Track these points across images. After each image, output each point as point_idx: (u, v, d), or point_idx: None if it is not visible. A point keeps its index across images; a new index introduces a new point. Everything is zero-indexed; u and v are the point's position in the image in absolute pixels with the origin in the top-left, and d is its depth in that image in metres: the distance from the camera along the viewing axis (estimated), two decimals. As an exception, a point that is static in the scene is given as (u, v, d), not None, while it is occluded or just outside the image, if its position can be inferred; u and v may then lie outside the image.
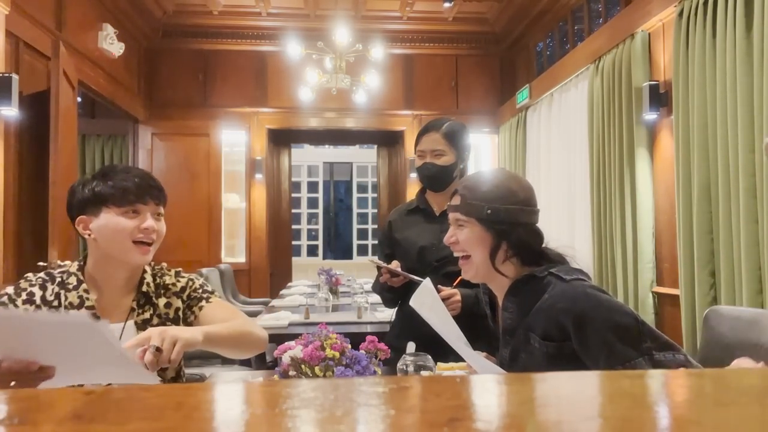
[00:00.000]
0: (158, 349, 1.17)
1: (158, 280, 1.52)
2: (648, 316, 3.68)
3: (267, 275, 6.45)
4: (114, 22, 5.15)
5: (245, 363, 3.46)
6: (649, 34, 3.77)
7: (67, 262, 1.48)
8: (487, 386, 0.46)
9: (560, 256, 1.31)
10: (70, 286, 1.41)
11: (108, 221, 1.38)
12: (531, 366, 1.23)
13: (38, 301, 1.38)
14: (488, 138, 6.79)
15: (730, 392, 0.42)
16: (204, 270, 4.51)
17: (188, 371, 3.41)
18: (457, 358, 1.69)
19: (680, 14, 3.27)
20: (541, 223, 1.35)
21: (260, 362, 2.97)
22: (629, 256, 3.79)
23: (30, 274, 1.43)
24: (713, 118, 3.03)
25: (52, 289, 1.40)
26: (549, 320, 1.19)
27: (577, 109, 4.67)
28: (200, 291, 1.55)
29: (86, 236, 1.41)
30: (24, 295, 1.38)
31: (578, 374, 0.68)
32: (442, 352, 1.69)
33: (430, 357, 1.47)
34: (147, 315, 1.47)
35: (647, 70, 3.74)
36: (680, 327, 3.27)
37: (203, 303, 1.54)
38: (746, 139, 2.80)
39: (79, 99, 4.58)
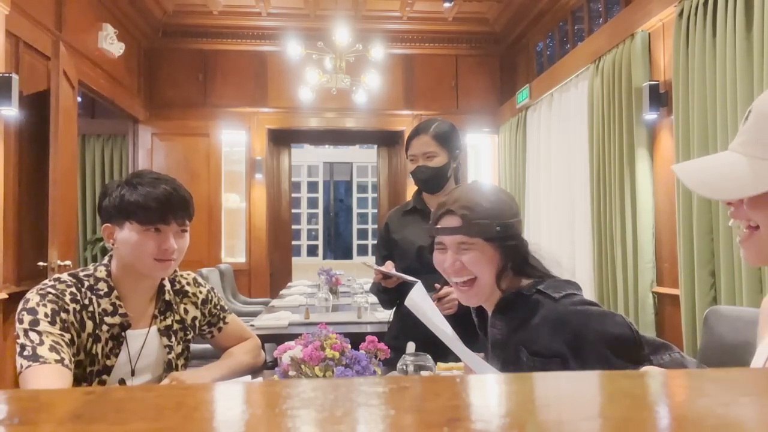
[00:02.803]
0: None
1: (176, 286, 1.57)
2: (648, 316, 3.68)
3: (267, 275, 6.45)
4: (114, 22, 5.15)
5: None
6: (649, 34, 3.77)
7: (90, 267, 1.46)
8: (487, 386, 0.46)
9: (537, 260, 1.27)
10: (102, 293, 1.41)
11: (130, 237, 1.39)
12: None
13: (81, 300, 1.38)
14: (488, 138, 6.79)
15: (730, 392, 0.42)
16: (204, 270, 4.50)
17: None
18: (457, 358, 1.69)
19: (680, 14, 3.27)
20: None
21: (260, 362, 2.97)
22: (629, 256, 3.79)
23: (62, 275, 1.41)
24: (713, 118, 3.03)
25: (84, 293, 1.40)
26: (541, 340, 1.15)
27: (577, 109, 4.67)
28: (219, 309, 1.65)
29: (110, 244, 1.43)
30: (68, 294, 1.36)
31: (578, 374, 0.68)
32: (442, 352, 1.69)
33: (429, 357, 1.47)
34: (168, 321, 1.52)
35: (647, 70, 3.74)
36: (680, 327, 3.27)
37: (222, 324, 1.65)
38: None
39: (79, 99, 4.58)
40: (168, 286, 1.53)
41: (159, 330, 1.49)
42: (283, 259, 7.36)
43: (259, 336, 2.82)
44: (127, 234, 1.39)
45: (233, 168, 6.47)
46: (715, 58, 3.03)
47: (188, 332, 1.57)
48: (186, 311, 1.56)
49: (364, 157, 13.35)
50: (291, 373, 1.33)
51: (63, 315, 1.33)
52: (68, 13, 4.43)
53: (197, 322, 1.60)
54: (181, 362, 1.55)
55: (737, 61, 2.84)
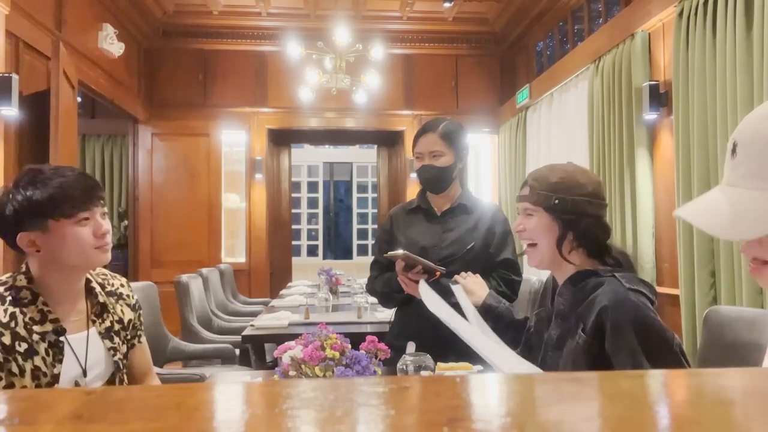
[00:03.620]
0: None
1: (108, 288, 1.49)
2: (648, 316, 3.68)
3: (267, 275, 6.45)
4: (114, 22, 5.15)
5: (245, 363, 3.46)
6: (649, 34, 3.76)
7: (4, 278, 1.35)
8: (487, 386, 0.46)
9: (625, 255, 1.35)
10: (26, 301, 1.31)
11: (64, 234, 1.29)
12: (572, 352, 1.25)
13: None
14: (488, 138, 6.79)
15: (730, 392, 0.42)
16: (204, 270, 4.50)
17: (188, 371, 3.42)
18: (457, 358, 1.69)
19: (680, 14, 3.27)
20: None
21: (260, 362, 2.97)
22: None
23: None
24: (713, 118, 3.03)
25: (5, 310, 1.28)
26: (592, 314, 1.22)
27: (577, 109, 4.67)
28: (140, 323, 1.56)
29: (31, 253, 1.31)
30: None
31: (578, 374, 0.68)
32: (442, 352, 1.69)
33: (430, 357, 1.47)
34: (108, 323, 1.45)
35: (647, 70, 3.74)
36: (680, 327, 3.26)
37: (136, 342, 1.54)
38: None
39: (79, 99, 4.58)
40: (98, 288, 1.45)
41: (100, 333, 1.42)
42: (283, 259, 7.36)
43: (259, 336, 2.84)
44: (55, 233, 1.28)
45: (233, 168, 6.47)
46: (715, 58, 3.03)
47: (128, 333, 1.51)
48: (123, 312, 1.50)
49: (364, 157, 13.35)
50: (291, 373, 1.33)
51: None
52: (68, 13, 4.42)
53: (131, 326, 1.51)
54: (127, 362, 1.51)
55: (737, 61, 2.84)
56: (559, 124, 5.04)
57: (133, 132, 6.19)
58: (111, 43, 5.00)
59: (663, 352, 1.16)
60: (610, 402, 0.41)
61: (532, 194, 1.34)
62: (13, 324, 1.27)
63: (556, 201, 1.31)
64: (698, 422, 0.36)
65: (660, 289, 3.66)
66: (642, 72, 3.73)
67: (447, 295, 1.83)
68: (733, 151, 0.76)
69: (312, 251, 13.94)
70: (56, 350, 1.32)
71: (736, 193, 0.75)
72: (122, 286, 1.54)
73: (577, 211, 1.30)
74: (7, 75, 3.44)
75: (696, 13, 3.14)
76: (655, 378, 0.49)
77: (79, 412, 0.37)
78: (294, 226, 10.34)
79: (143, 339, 1.58)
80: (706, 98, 3.09)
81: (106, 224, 1.36)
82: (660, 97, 3.61)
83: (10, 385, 1.24)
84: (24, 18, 3.77)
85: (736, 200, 0.75)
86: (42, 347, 1.30)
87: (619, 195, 3.89)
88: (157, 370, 2.72)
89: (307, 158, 13.64)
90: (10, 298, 1.30)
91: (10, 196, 1.28)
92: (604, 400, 0.41)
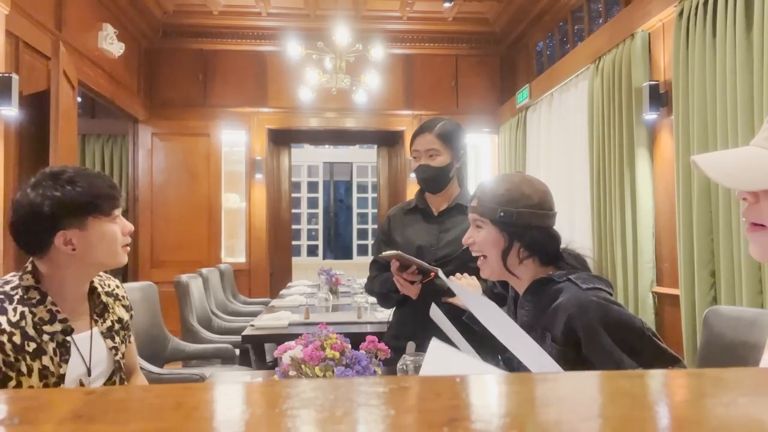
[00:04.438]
0: None
1: (106, 288, 1.51)
2: (648, 316, 3.68)
3: (267, 275, 6.45)
4: (114, 22, 5.15)
5: (245, 363, 3.46)
6: (649, 34, 3.76)
7: (8, 277, 1.35)
8: (487, 386, 0.46)
9: (580, 259, 1.36)
10: (34, 301, 1.30)
11: (101, 231, 1.31)
12: None
13: (9, 328, 1.24)
14: (488, 138, 6.79)
15: (730, 392, 0.42)
16: (204, 270, 4.50)
17: (188, 371, 3.41)
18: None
19: (680, 14, 3.27)
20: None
21: (260, 362, 2.97)
22: (629, 256, 3.79)
23: None
24: (713, 118, 3.03)
25: (14, 309, 1.27)
26: (560, 323, 1.22)
27: (577, 109, 4.67)
28: (131, 324, 1.57)
29: (65, 251, 1.29)
30: None
31: (578, 374, 0.68)
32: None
33: (430, 357, 1.46)
34: (108, 322, 1.46)
35: (647, 70, 3.74)
36: (680, 327, 3.26)
37: (128, 341, 1.55)
38: (746, 139, 2.80)
39: (79, 99, 4.58)
40: (99, 288, 1.46)
41: (102, 333, 1.43)
42: (283, 259, 7.36)
43: (259, 336, 2.84)
44: (94, 230, 1.30)
45: (233, 168, 6.47)
46: (715, 58, 3.03)
47: (126, 333, 1.52)
48: (120, 312, 1.52)
49: (364, 157, 13.35)
50: (291, 373, 1.33)
51: None
52: (68, 13, 4.43)
53: (125, 326, 1.53)
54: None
55: (737, 61, 2.84)
56: (559, 124, 5.04)
57: (133, 132, 6.19)
58: (111, 43, 5.00)
59: (636, 341, 1.18)
60: (610, 402, 0.41)
61: (480, 206, 1.36)
62: (23, 323, 1.27)
63: (502, 213, 1.32)
64: (698, 422, 0.36)
65: (660, 289, 3.66)
66: (642, 72, 3.73)
67: (442, 295, 1.83)
68: None
69: (312, 251, 13.94)
70: (63, 350, 1.32)
71: (754, 150, 0.80)
72: (117, 287, 1.56)
73: (521, 223, 1.32)
74: (7, 75, 3.45)
75: (696, 13, 3.14)
76: (655, 378, 0.49)
77: (79, 412, 0.37)
78: (294, 226, 10.34)
79: (132, 338, 1.61)
80: (706, 98, 3.09)
81: (129, 223, 1.40)
82: (660, 97, 3.61)
83: (18, 385, 1.24)
84: (24, 18, 3.77)
85: (750, 155, 0.80)
86: (50, 347, 1.30)
87: (619, 195, 3.89)
88: (157, 370, 2.73)
89: (307, 158, 13.64)
90: (18, 297, 1.29)
91: (45, 193, 1.26)
92: (604, 400, 0.41)
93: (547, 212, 1.35)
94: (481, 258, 1.38)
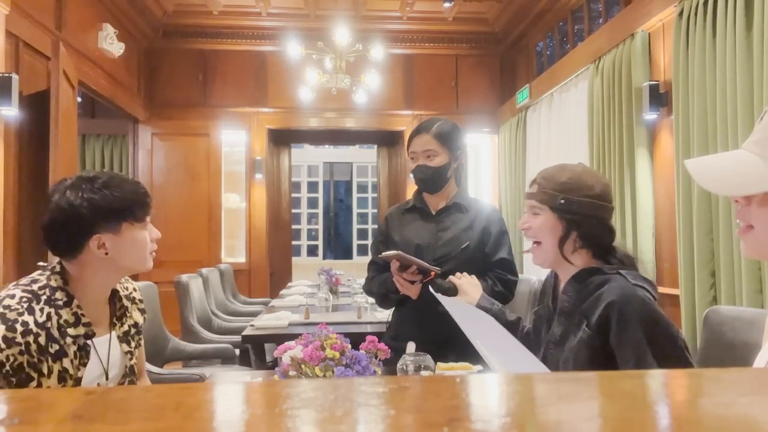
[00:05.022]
0: None
1: (125, 292, 1.51)
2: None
3: (267, 275, 6.45)
4: (114, 22, 5.15)
5: (245, 363, 3.46)
6: (649, 34, 3.76)
7: (36, 275, 1.34)
8: (487, 386, 0.46)
9: (629, 257, 1.35)
10: (60, 303, 1.30)
11: (133, 236, 1.33)
12: (574, 348, 1.26)
13: (35, 329, 1.24)
14: (488, 138, 6.79)
15: (730, 392, 0.42)
16: (204, 270, 4.50)
17: (188, 371, 3.41)
18: (457, 358, 1.69)
19: (680, 14, 3.27)
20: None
21: (260, 362, 2.97)
22: (629, 256, 3.79)
23: (7, 298, 1.25)
24: (713, 118, 3.03)
25: (41, 309, 1.27)
26: (598, 310, 1.23)
27: (577, 109, 4.67)
28: (143, 327, 1.57)
29: (98, 255, 1.30)
30: (20, 328, 1.21)
31: (578, 374, 0.68)
32: (442, 352, 1.69)
33: (430, 357, 1.47)
34: (126, 327, 1.47)
35: (647, 70, 3.74)
36: (680, 327, 3.27)
37: (141, 343, 1.56)
38: (746, 139, 2.79)
39: (79, 99, 4.58)
40: (121, 292, 1.47)
41: (119, 337, 1.43)
42: (283, 259, 7.36)
43: (259, 336, 2.84)
44: (127, 235, 1.32)
45: (233, 168, 6.47)
46: (715, 58, 3.03)
47: (139, 336, 1.53)
48: (136, 316, 1.53)
49: (364, 157, 13.35)
50: (291, 373, 1.33)
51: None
52: (68, 13, 4.43)
53: (140, 329, 1.54)
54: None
55: (737, 61, 2.84)
56: (559, 124, 5.04)
57: (133, 132, 6.19)
58: (111, 43, 5.00)
59: (668, 347, 1.18)
60: (610, 402, 0.41)
61: (539, 192, 1.35)
62: (48, 324, 1.26)
63: (562, 201, 1.31)
64: (698, 422, 0.36)
65: (660, 289, 3.66)
66: (642, 72, 3.73)
67: (442, 295, 1.83)
68: (761, 118, 0.83)
69: (312, 251, 13.94)
70: (83, 353, 1.33)
71: (744, 155, 0.82)
72: (135, 290, 1.56)
73: (581, 212, 1.31)
74: (7, 75, 3.45)
75: (696, 13, 3.14)
76: (655, 378, 0.49)
77: (79, 412, 0.37)
78: (294, 226, 10.34)
79: (142, 341, 1.60)
80: (706, 98, 3.09)
81: (157, 230, 1.42)
82: (660, 97, 3.61)
83: (38, 386, 1.24)
84: (24, 18, 3.77)
85: (738, 160, 0.82)
86: (72, 350, 1.30)
87: (619, 195, 3.89)
88: (157, 370, 2.73)
89: (307, 158, 13.64)
90: (45, 297, 1.29)
91: (85, 196, 1.27)
92: (604, 400, 0.41)
93: (606, 204, 1.34)
94: (534, 244, 1.37)
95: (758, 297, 2.74)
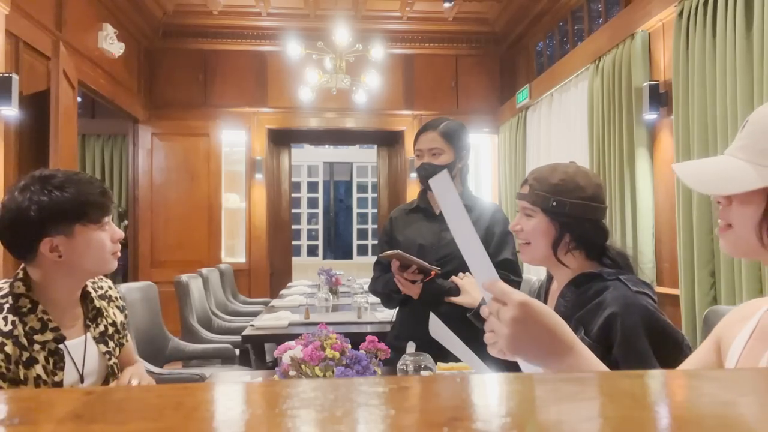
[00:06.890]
0: None
1: (99, 291, 1.48)
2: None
3: (267, 275, 6.45)
4: (114, 22, 5.15)
5: (245, 363, 3.46)
6: (649, 34, 3.77)
7: (0, 284, 1.31)
8: (487, 386, 0.46)
9: (623, 256, 1.34)
10: (25, 310, 1.27)
11: (88, 239, 1.28)
12: None
13: (1, 339, 1.21)
14: (488, 138, 6.79)
15: (730, 392, 0.42)
16: (204, 270, 4.50)
17: (188, 371, 3.41)
18: (457, 358, 1.69)
19: (680, 14, 3.27)
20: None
21: (260, 362, 2.98)
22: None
23: None
24: (713, 118, 3.03)
25: (4, 318, 1.23)
26: (598, 318, 1.21)
27: (577, 109, 4.67)
28: (127, 323, 1.56)
29: (51, 259, 1.26)
30: None
31: (578, 374, 0.68)
32: (443, 352, 1.69)
33: (430, 357, 1.47)
34: (102, 327, 1.44)
35: (647, 70, 3.74)
36: (680, 327, 3.26)
37: (124, 341, 1.54)
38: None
39: (79, 99, 4.58)
40: (93, 293, 1.43)
41: (95, 338, 1.40)
42: (283, 259, 7.36)
43: (259, 336, 2.84)
44: (81, 237, 1.26)
45: (233, 168, 6.47)
46: (715, 58, 3.03)
47: (121, 335, 1.50)
48: (114, 314, 1.49)
49: (364, 157, 13.35)
50: (291, 373, 1.33)
51: None
52: (68, 13, 4.42)
53: (119, 327, 1.51)
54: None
55: (737, 61, 2.84)
56: (559, 124, 5.04)
57: (133, 132, 6.19)
58: (111, 43, 5.00)
59: (674, 353, 1.16)
60: (610, 402, 0.41)
61: (531, 194, 1.33)
62: (15, 333, 1.24)
63: (554, 203, 1.29)
64: (698, 422, 0.36)
65: (660, 289, 3.66)
66: (642, 72, 3.73)
67: (443, 295, 1.83)
68: (743, 127, 0.87)
69: (312, 251, 13.94)
70: (57, 358, 1.30)
71: (728, 159, 0.87)
72: (110, 288, 1.53)
73: (574, 214, 1.29)
74: (7, 75, 3.44)
75: (696, 13, 3.14)
76: (655, 378, 0.49)
77: (79, 412, 0.37)
78: (294, 226, 10.34)
79: (129, 337, 1.58)
80: (706, 98, 3.09)
81: (119, 230, 1.37)
82: (660, 97, 3.61)
83: None
84: (24, 18, 3.77)
85: (722, 164, 0.87)
86: (42, 356, 1.28)
87: (619, 195, 3.89)
88: (157, 370, 2.73)
89: (307, 158, 13.65)
90: (8, 306, 1.26)
91: (33, 198, 1.22)
92: (604, 400, 0.41)
93: (599, 205, 1.33)
94: (523, 244, 1.36)
95: (758, 297, 2.74)
